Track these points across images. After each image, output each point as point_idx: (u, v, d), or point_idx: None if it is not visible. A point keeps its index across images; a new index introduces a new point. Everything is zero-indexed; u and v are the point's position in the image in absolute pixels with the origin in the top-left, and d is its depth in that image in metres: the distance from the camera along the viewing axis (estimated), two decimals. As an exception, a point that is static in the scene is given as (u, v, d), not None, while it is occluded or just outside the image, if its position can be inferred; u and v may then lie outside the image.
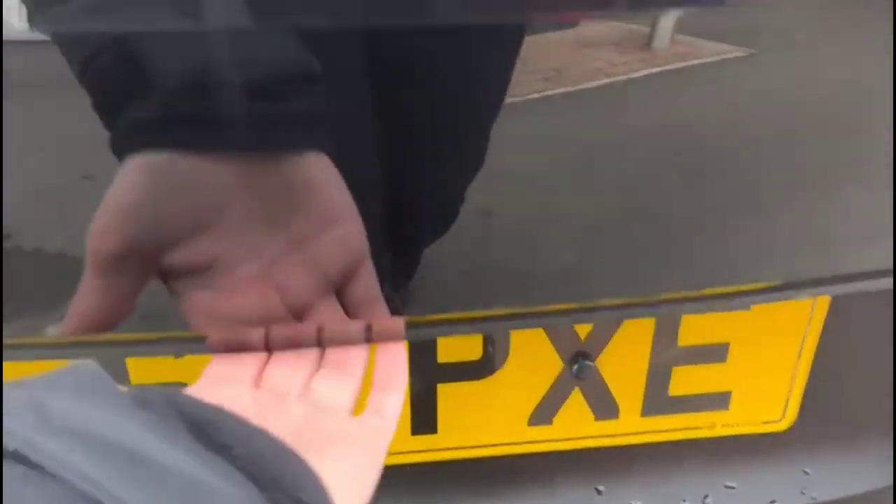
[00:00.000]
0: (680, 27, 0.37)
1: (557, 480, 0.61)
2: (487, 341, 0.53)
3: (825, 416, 0.60)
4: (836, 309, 0.55)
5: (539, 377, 0.56)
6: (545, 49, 0.36)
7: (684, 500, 0.62)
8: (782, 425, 0.61)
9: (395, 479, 0.57)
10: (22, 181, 0.33)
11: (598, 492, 0.61)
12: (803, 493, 0.62)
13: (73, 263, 0.33)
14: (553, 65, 0.36)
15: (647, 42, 0.37)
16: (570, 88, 0.37)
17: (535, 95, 0.36)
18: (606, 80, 0.37)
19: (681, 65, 0.37)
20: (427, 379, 0.54)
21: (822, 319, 0.55)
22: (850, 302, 0.55)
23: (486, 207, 0.38)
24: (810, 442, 0.62)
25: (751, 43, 0.37)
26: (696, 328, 0.55)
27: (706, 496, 0.62)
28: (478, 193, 0.36)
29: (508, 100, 0.35)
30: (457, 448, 0.58)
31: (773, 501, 0.62)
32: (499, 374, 0.55)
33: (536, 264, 0.39)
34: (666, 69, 0.37)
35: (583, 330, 0.54)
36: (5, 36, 0.30)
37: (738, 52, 0.38)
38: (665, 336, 0.56)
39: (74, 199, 0.33)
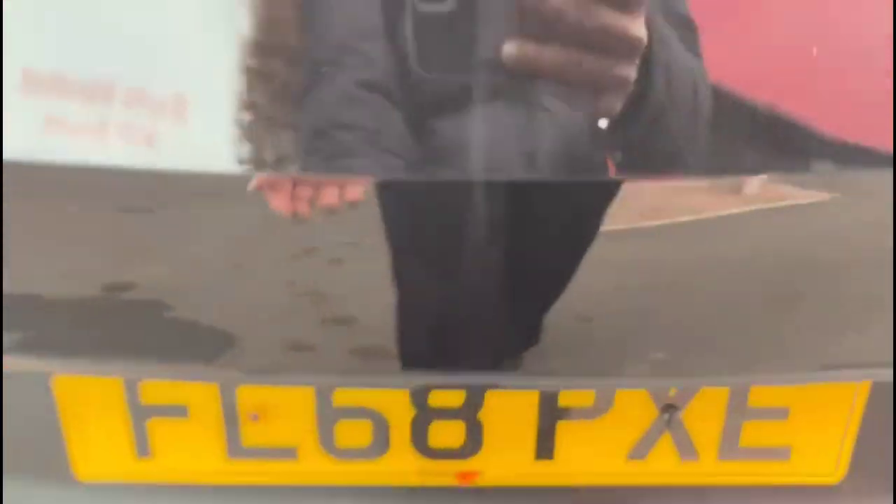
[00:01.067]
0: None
1: (647, 508, 0.76)
2: (598, 391, 0.70)
3: (873, 472, 0.74)
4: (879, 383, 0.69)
5: (637, 422, 0.72)
6: (645, 192, 0.52)
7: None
8: (835, 479, 0.74)
9: (520, 498, 0.74)
10: None
11: (681, 521, 0.76)
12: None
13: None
14: (652, 205, 0.52)
15: (739, 188, 0.53)
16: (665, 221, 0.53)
17: (636, 226, 0.53)
18: (698, 217, 0.53)
19: (767, 206, 0.53)
20: (551, 417, 0.71)
21: (868, 389, 0.69)
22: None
23: (587, 315, 0.54)
24: (859, 495, 0.75)
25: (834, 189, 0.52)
26: (762, 394, 0.70)
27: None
28: (582, 302, 0.53)
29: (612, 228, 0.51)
30: (566, 474, 0.74)
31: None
32: (605, 417, 0.71)
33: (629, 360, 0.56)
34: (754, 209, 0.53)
35: (673, 388, 0.70)
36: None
37: (821, 197, 0.53)
38: (738, 398, 0.71)
39: None
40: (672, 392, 0.70)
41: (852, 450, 0.73)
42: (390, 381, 0.66)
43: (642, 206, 0.51)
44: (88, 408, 0.69)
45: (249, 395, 0.68)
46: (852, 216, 0.52)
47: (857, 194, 0.52)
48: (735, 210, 0.53)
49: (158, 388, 0.68)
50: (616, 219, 0.51)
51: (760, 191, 0.52)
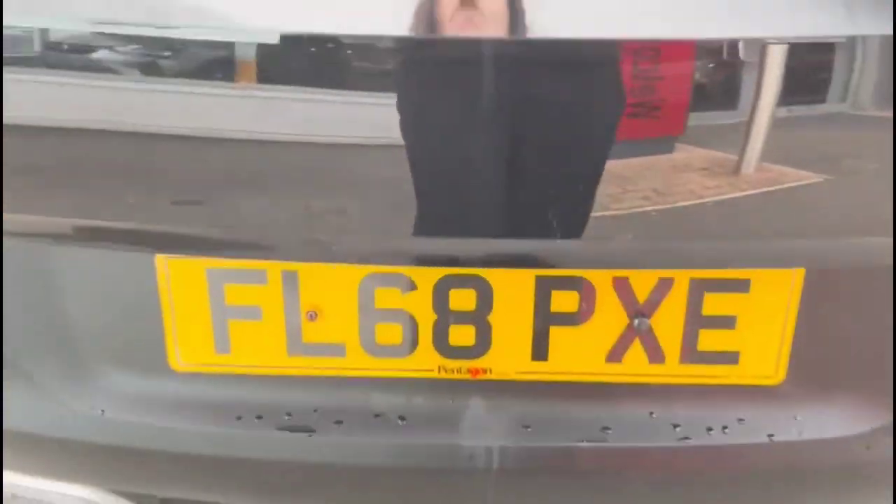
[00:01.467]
0: (765, 156, 0.70)
1: (623, 404, 0.94)
2: (582, 299, 0.88)
3: (808, 376, 0.91)
4: (808, 295, 0.86)
5: (613, 328, 0.90)
6: (645, 171, 0.70)
7: (710, 428, 0.93)
8: (776, 381, 0.92)
9: (519, 391, 0.92)
10: None
11: (651, 414, 0.94)
12: (794, 431, 0.92)
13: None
14: (651, 185, 0.70)
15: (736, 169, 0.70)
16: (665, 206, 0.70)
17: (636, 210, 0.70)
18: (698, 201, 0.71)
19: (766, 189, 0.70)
20: (544, 322, 0.89)
21: (798, 300, 0.87)
22: (817, 294, 0.87)
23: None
24: (799, 395, 0.92)
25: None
26: (714, 303, 0.88)
27: (725, 426, 0.93)
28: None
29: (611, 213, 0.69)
30: (557, 372, 0.92)
31: (771, 433, 0.92)
32: (587, 325, 0.89)
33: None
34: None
35: (642, 297, 0.88)
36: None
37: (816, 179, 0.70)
38: (693, 313, 0.89)
39: None
40: (641, 301, 0.88)
41: (788, 357, 0.90)
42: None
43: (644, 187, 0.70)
44: (182, 305, 0.89)
45: (309, 294, 0.88)
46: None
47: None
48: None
49: (239, 290, 0.88)
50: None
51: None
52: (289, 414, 0.93)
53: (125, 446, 0.95)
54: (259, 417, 0.93)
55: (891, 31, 0.64)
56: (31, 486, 1.10)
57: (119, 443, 0.95)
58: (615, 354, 0.91)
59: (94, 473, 1.03)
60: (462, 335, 0.90)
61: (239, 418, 0.93)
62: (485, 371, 0.92)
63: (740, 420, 0.93)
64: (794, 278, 0.86)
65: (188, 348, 0.92)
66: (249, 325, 0.91)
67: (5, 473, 1.10)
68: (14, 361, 0.94)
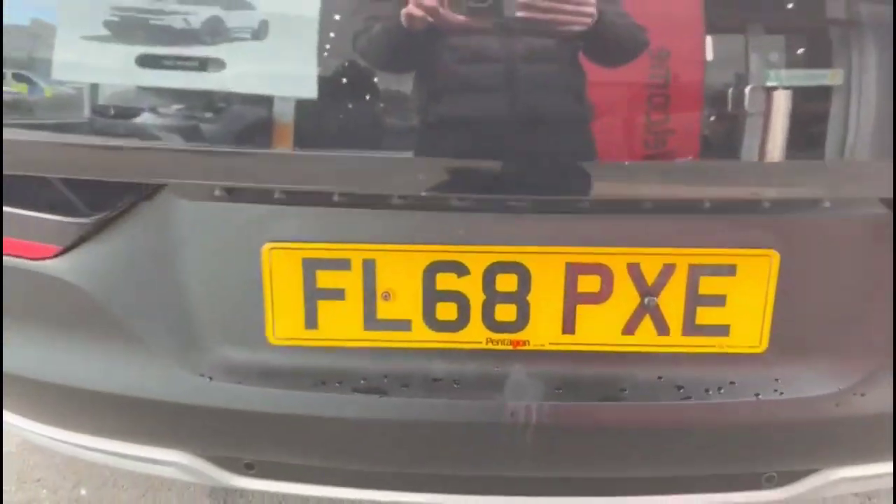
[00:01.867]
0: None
1: (637, 370, 1.15)
2: (602, 282, 1.10)
3: (786, 345, 1.12)
4: (783, 276, 1.08)
5: (627, 306, 1.11)
6: None
7: (707, 389, 1.14)
8: (760, 349, 1.13)
9: (552, 359, 1.13)
10: None
11: (659, 378, 1.15)
12: (776, 391, 1.13)
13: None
14: None
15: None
16: None
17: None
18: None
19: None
20: (572, 301, 1.11)
21: (776, 281, 1.08)
22: (790, 275, 1.08)
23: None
24: (779, 361, 1.13)
25: None
26: (708, 284, 1.10)
27: (720, 387, 1.14)
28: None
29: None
30: (583, 343, 1.13)
31: (757, 393, 1.13)
32: (606, 303, 1.11)
33: None
34: None
35: (650, 280, 1.09)
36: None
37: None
38: (692, 293, 1.10)
39: None
40: (649, 283, 1.10)
41: (770, 329, 1.12)
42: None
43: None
44: (280, 287, 1.11)
45: (384, 279, 1.10)
46: None
47: None
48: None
49: (329, 275, 1.10)
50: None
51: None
52: (364, 379, 1.14)
53: (227, 408, 1.16)
54: (339, 382, 1.14)
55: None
56: (123, 452, 1.29)
57: (222, 405, 1.15)
58: (629, 328, 1.13)
59: (193, 436, 1.24)
60: (506, 312, 1.12)
61: (323, 383, 1.14)
62: (524, 342, 1.13)
63: (731, 382, 1.14)
64: (771, 262, 1.08)
65: (283, 324, 1.13)
66: (334, 305, 1.12)
67: (96, 438, 1.30)
68: (131, 331, 1.14)
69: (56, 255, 1.11)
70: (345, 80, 0.98)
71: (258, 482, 1.30)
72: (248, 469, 1.29)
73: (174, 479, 1.55)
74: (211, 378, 1.15)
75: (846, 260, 1.09)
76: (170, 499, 1.92)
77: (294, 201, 1.09)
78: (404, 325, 1.13)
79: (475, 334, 1.13)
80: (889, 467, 1.25)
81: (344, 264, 1.10)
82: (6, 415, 1.36)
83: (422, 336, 1.13)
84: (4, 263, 1.14)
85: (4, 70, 1.02)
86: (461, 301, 1.11)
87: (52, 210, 1.10)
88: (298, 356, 1.15)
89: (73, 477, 1.98)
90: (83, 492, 1.94)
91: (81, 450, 1.33)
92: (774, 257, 1.08)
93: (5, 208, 1.11)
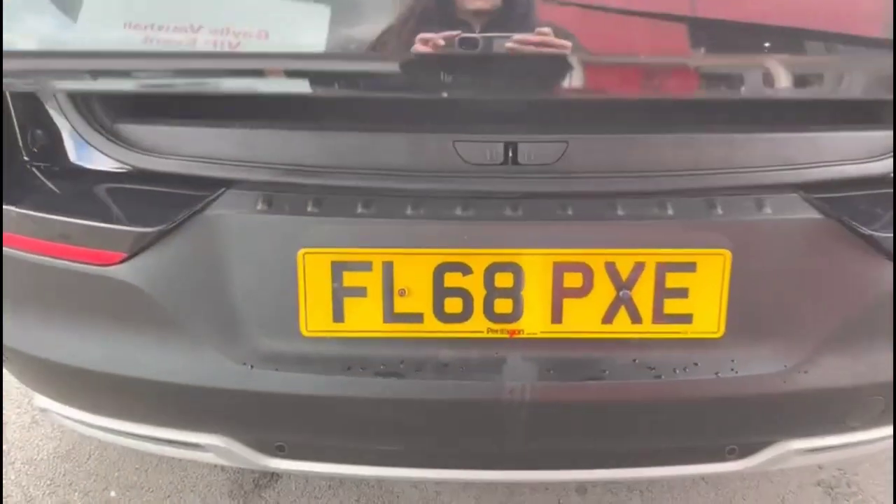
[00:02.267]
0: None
1: (615, 354, 1.35)
2: (584, 278, 1.30)
3: (740, 331, 1.33)
4: (735, 271, 1.29)
5: (605, 298, 1.31)
6: None
7: (675, 369, 1.34)
8: (719, 334, 1.33)
9: (543, 345, 1.33)
10: None
11: (634, 360, 1.35)
12: (732, 370, 1.34)
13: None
14: None
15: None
16: None
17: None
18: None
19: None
20: (560, 295, 1.31)
21: (729, 275, 1.29)
22: (741, 270, 1.29)
23: None
24: (734, 345, 1.34)
25: None
26: (673, 279, 1.30)
27: (685, 367, 1.34)
28: None
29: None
30: (569, 331, 1.33)
31: (717, 372, 1.33)
32: (588, 297, 1.31)
33: None
34: None
35: (625, 276, 1.30)
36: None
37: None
38: (659, 287, 1.31)
39: None
40: (624, 279, 1.30)
41: (726, 317, 1.32)
42: None
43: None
44: (312, 286, 1.30)
45: (400, 278, 1.30)
46: None
47: None
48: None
49: (353, 275, 1.30)
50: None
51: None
52: (383, 364, 1.34)
53: (265, 391, 1.35)
54: (362, 368, 1.34)
55: None
56: (169, 438, 1.48)
57: (261, 389, 1.34)
58: (608, 318, 1.33)
59: (233, 420, 1.42)
60: (503, 306, 1.32)
61: (349, 368, 1.34)
62: (519, 331, 1.34)
63: (695, 364, 1.35)
64: (724, 260, 1.29)
65: (314, 319, 1.33)
66: (358, 301, 1.32)
67: (145, 426, 1.47)
68: (182, 326, 1.33)
69: (121, 262, 1.31)
70: None
71: (288, 462, 1.48)
72: (280, 451, 1.47)
73: (209, 465, 1.72)
74: (252, 366, 1.34)
75: (787, 257, 1.31)
76: (193, 500, 2.09)
77: (324, 213, 1.29)
78: (417, 317, 1.33)
79: (478, 325, 1.33)
80: (835, 440, 1.45)
81: (366, 266, 1.30)
82: (60, 408, 1.54)
83: (432, 327, 1.33)
84: (74, 269, 1.34)
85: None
86: (465, 296, 1.32)
87: (120, 222, 1.30)
88: (327, 346, 1.35)
89: (103, 481, 2.15)
90: (112, 493, 2.11)
91: (131, 438, 1.51)
92: (727, 256, 1.29)
93: (78, 220, 1.31)
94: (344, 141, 1.38)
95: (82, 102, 1.37)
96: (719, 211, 1.29)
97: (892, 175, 1.34)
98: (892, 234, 1.28)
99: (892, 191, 1.35)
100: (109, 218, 1.31)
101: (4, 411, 2.39)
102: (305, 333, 1.34)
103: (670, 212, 1.29)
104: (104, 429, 1.51)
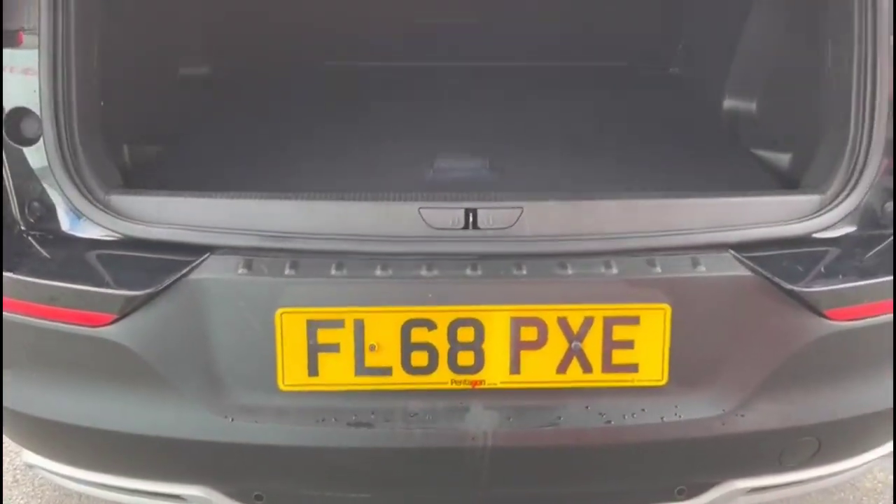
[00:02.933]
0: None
1: (569, 401, 1.46)
2: (539, 332, 1.42)
3: (682, 379, 1.45)
4: (675, 324, 1.42)
5: (559, 350, 1.44)
6: None
7: (624, 415, 1.46)
8: (662, 382, 1.46)
9: (503, 395, 1.45)
10: None
11: (586, 407, 1.46)
12: (676, 415, 1.46)
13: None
14: None
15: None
16: None
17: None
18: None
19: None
20: (517, 348, 1.43)
21: (670, 328, 1.42)
22: (683, 322, 1.42)
23: None
24: (677, 392, 1.46)
25: None
26: (620, 332, 1.43)
27: (633, 413, 1.46)
28: None
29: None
30: (526, 381, 1.45)
31: (662, 416, 1.45)
32: (543, 349, 1.43)
33: None
34: None
35: (576, 329, 1.42)
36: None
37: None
38: (607, 339, 1.43)
39: None
40: (575, 332, 1.43)
41: (669, 367, 1.45)
42: None
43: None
44: (289, 343, 1.41)
45: (370, 334, 1.41)
46: None
47: None
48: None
49: (326, 332, 1.41)
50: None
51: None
52: (355, 415, 1.44)
53: (244, 443, 1.44)
54: (335, 419, 1.44)
55: None
56: (152, 490, 1.56)
57: (240, 440, 1.44)
58: (562, 368, 1.45)
59: (214, 471, 1.51)
60: (466, 358, 1.44)
61: (323, 420, 1.44)
62: (481, 382, 1.45)
63: (642, 409, 1.47)
64: (665, 314, 1.43)
65: (291, 373, 1.43)
66: (331, 357, 1.43)
67: (129, 479, 1.55)
68: (167, 382, 1.43)
69: (111, 323, 1.41)
70: None
71: (266, 512, 1.57)
72: (258, 500, 1.56)
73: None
74: (232, 419, 1.44)
75: (721, 311, 1.45)
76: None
77: (300, 275, 1.41)
78: (387, 371, 1.44)
79: (442, 377, 1.45)
80: (774, 480, 1.57)
81: (339, 324, 1.41)
82: (48, 463, 1.61)
83: (401, 379, 1.44)
84: (65, 330, 1.43)
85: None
86: (431, 350, 1.43)
87: (110, 286, 1.41)
88: (303, 399, 1.45)
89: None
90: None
91: (116, 491, 1.59)
92: (667, 310, 1.43)
93: (70, 285, 1.41)
94: (319, 208, 1.51)
95: (77, 175, 1.49)
96: (659, 269, 1.43)
97: (812, 236, 1.50)
98: (813, 289, 1.42)
99: (812, 249, 1.50)
100: (100, 282, 1.41)
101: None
102: (282, 387, 1.44)
103: (615, 270, 1.43)
104: (90, 483, 1.59)
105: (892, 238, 1.53)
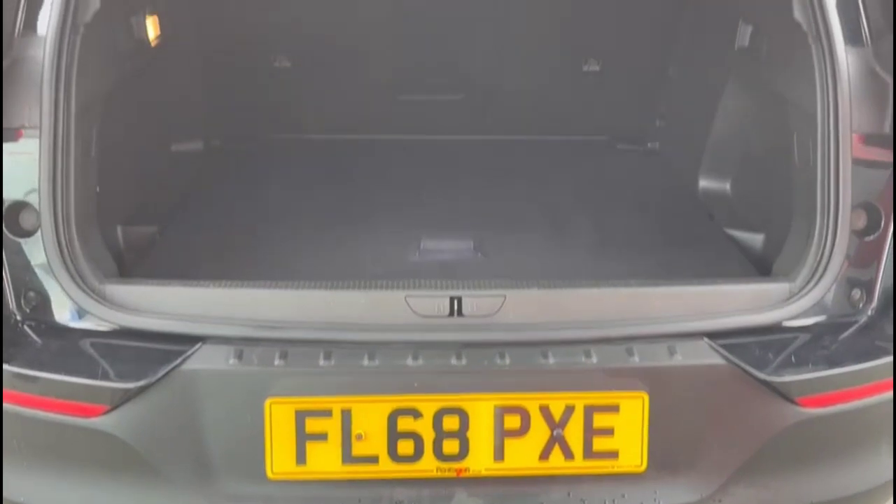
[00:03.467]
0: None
1: (551, 488, 1.50)
2: (522, 420, 1.46)
3: (661, 465, 1.49)
4: (654, 412, 1.47)
5: (542, 438, 1.48)
6: None
7: (605, 501, 1.50)
8: (642, 469, 1.50)
9: (488, 482, 1.49)
10: None
11: (568, 494, 1.50)
12: (655, 501, 1.50)
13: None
14: None
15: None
16: None
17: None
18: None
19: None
20: (500, 436, 1.47)
21: (648, 416, 1.47)
22: (660, 409, 1.47)
23: None
24: (656, 478, 1.50)
25: None
26: (599, 419, 1.47)
27: (614, 499, 1.50)
28: None
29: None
30: (510, 469, 1.49)
31: (641, 502, 1.49)
32: (526, 437, 1.47)
33: None
34: None
35: (557, 417, 1.46)
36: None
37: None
38: (588, 427, 1.48)
39: None
40: (557, 420, 1.47)
41: (648, 453, 1.49)
42: None
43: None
44: (278, 432, 1.44)
45: (358, 423, 1.45)
46: None
47: None
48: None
49: (314, 422, 1.45)
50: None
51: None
52: (342, 503, 1.47)
53: (234, 531, 1.46)
54: (322, 507, 1.47)
55: None
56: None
57: (230, 528, 1.46)
58: (544, 455, 1.49)
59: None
60: (451, 446, 1.47)
61: (309, 508, 1.47)
62: (465, 470, 1.48)
63: (622, 495, 1.51)
64: (643, 402, 1.47)
65: (279, 462, 1.46)
66: (319, 446, 1.46)
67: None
68: (159, 471, 1.46)
69: (104, 413, 1.44)
70: None
71: None
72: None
73: None
74: (221, 508, 1.47)
75: (697, 398, 1.49)
76: None
77: (289, 365, 1.45)
78: (373, 459, 1.47)
79: (428, 465, 1.48)
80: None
81: (327, 413, 1.45)
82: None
83: (387, 468, 1.48)
84: (59, 421, 1.46)
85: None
86: (417, 439, 1.47)
87: (104, 378, 1.44)
88: (290, 488, 1.48)
89: None
90: None
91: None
92: (645, 398, 1.47)
93: (65, 378, 1.45)
94: (308, 297, 1.56)
95: (73, 266, 1.53)
96: (637, 358, 1.48)
97: (782, 324, 1.56)
98: (785, 379, 1.48)
99: (783, 336, 1.56)
100: (94, 374, 1.45)
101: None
102: (271, 476, 1.47)
103: (595, 359, 1.48)
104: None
105: (857, 326, 1.59)
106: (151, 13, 2.13)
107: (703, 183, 2.32)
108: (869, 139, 1.60)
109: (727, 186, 2.28)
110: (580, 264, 1.88)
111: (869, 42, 1.61)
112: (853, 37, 1.61)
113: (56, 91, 1.51)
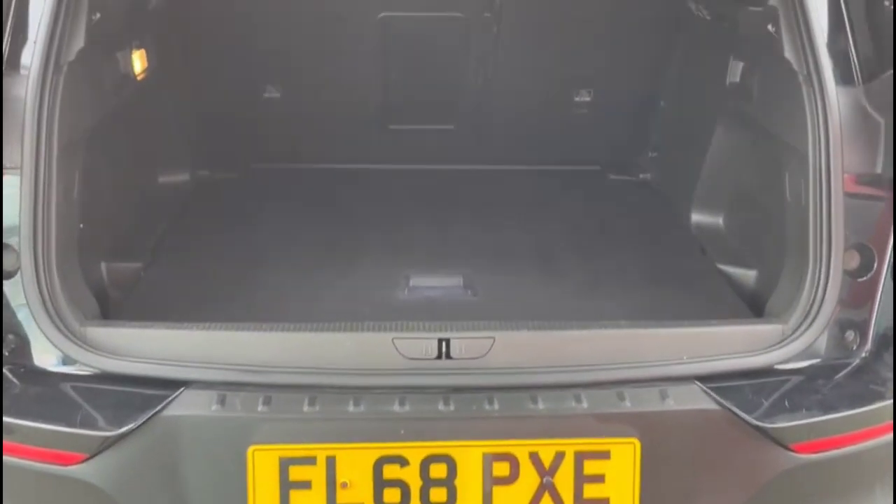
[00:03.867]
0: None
1: (542, 537, 1.47)
2: (511, 467, 1.43)
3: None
4: (646, 457, 1.44)
5: (531, 487, 1.44)
6: None
7: (596, 551, 1.46)
8: (635, 518, 1.47)
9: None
10: None
11: (557, 545, 1.47)
12: (648, 550, 1.47)
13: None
14: None
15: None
16: None
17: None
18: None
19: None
20: (489, 483, 1.43)
21: (640, 462, 1.43)
22: (652, 455, 1.44)
23: None
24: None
25: None
26: (591, 466, 1.44)
27: (607, 548, 1.47)
28: None
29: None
30: (500, 518, 1.46)
31: (635, 549, 1.46)
32: (515, 484, 1.44)
33: None
34: None
35: (547, 464, 1.43)
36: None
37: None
38: (578, 474, 1.44)
39: None
40: (547, 467, 1.44)
41: (640, 501, 1.46)
42: None
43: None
44: (261, 481, 1.41)
45: (342, 471, 1.41)
46: None
47: None
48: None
49: (298, 469, 1.41)
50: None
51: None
52: (326, 555, 1.44)
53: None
54: (306, 558, 1.43)
55: None
56: None
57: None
58: (534, 503, 1.46)
59: None
60: (438, 494, 1.44)
61: (293, 560, 1.43)
62: (453, 519, 1.45)
63: (617, 546, 1.47)
64: (634, 448, 1.44)
65: (263, 511, 1.43)
66: (303, 494, 1.43)
67: None
68: None
69: (82, 462, 1.40)
70: None
71: None
72: None
73: None
74: (203, 559, 1.43)
75: (690, 444, 1.47)
76: None
77: (273, 411, 1.42)
78: (358, 508, 1.44)
79: (415, 514, 1.45)
80: None
81: (311, 461, 1.42)
82: None
83: (372, 517, 1.44)
84: (34, 469, 1.42)
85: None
86: (403, 487, 1.43)
87: (83, 426, 1.41)
88: (275, 538, 1.44)
89: None
90: None
91: None
92: (636, 444, 1.44)
93: (42, 425, 1.41)
94: (293, 340, 1.53)
95: (53, 308, 1.50)
96: (628, 403, 1.45)
97: (775, 367, 1.54)
98: (778, 425, 1.45)
99: (776, 379, 1.54)
100: (73, 422, 1.41)
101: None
102: (253, 526, 1.43)
103: (585, 404, 1.45)
104: None
105: (851, 368, 1.57)
106: (138, 48, 2.11)
107: (696, 216, 2.30)
108: (861, 179, 1.59)
109: (720, 221, 2.26)
110: (571, 302, 1.86)
111: (860, 81, 1.60)
112: (844, 76, 1.60)
113: (38, 131, 1.49)
